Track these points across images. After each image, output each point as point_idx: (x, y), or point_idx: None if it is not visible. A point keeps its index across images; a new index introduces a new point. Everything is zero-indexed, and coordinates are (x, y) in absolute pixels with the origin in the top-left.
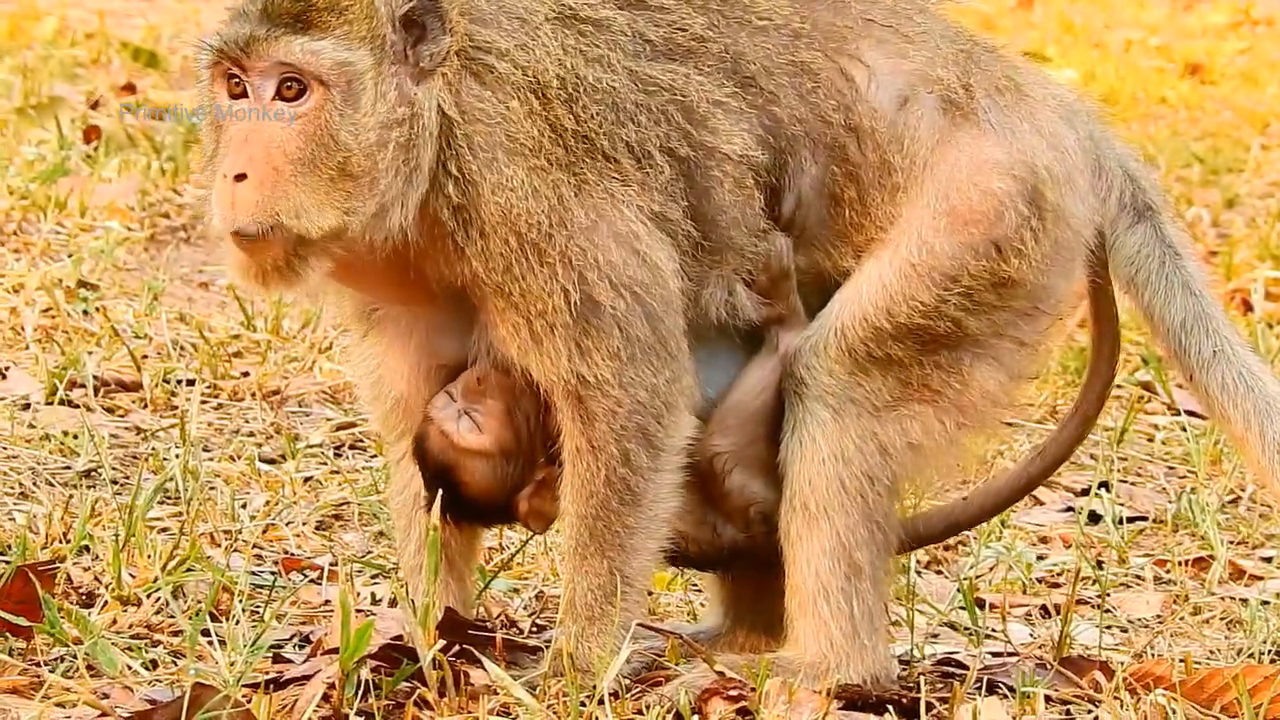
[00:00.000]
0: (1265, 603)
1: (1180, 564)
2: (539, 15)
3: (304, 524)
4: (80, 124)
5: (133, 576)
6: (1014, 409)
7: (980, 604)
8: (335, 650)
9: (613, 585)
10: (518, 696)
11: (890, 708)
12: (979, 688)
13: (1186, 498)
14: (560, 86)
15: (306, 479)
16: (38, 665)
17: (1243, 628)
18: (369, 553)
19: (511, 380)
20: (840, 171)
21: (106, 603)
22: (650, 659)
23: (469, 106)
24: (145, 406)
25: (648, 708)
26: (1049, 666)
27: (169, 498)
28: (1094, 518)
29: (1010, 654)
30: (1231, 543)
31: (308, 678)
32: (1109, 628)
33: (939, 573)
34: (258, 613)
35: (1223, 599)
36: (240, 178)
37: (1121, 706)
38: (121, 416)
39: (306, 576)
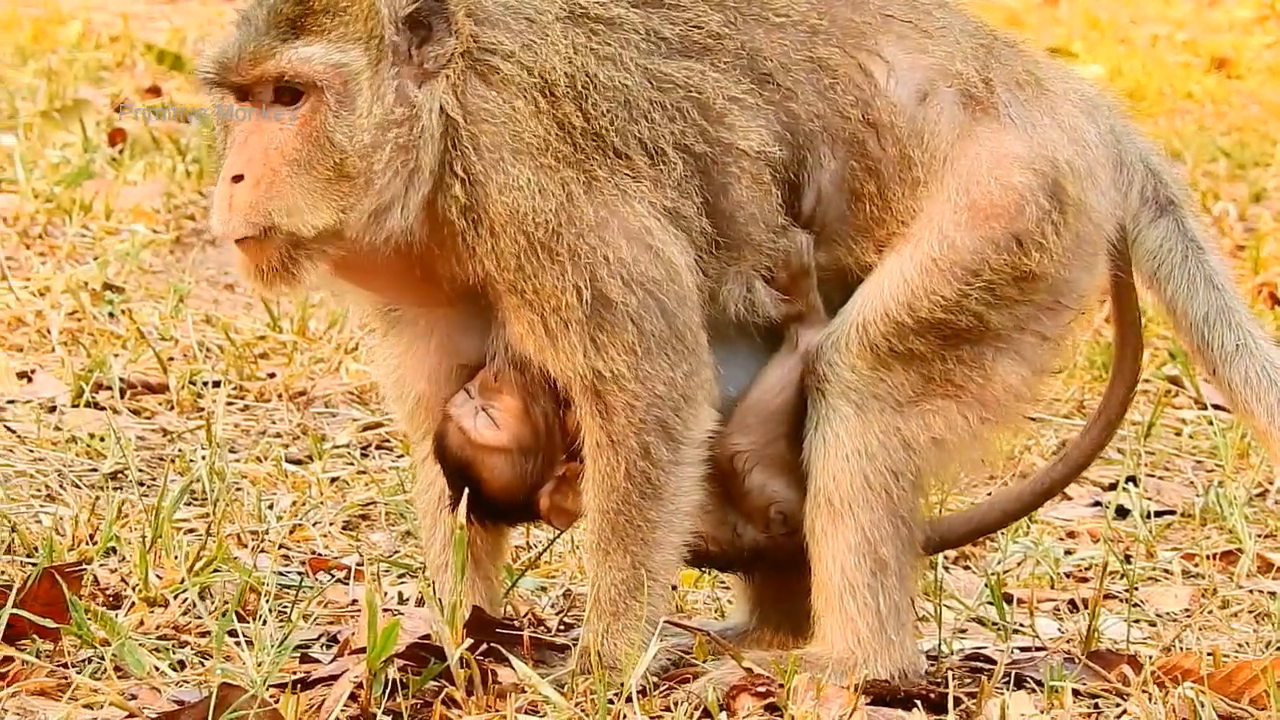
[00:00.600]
0: None
1: (1208, 558)
2: (549, 14)
3: (331, 524)
4: (105, 127)
5: (159, 578)
6: (1037, 403)
7: (1008, 599)
8: (362, 650)
9: (637, 580)
10: (545, 694)
11: (918, 703)
12: (1007, 682)
13: (1214, 491)
14: (569, 84)
15: (333, 479)
16: (65, 667)
17: (1271, 620)
18: (396, 552)
19: (528, 376)
20: (860, 167)
21: (133, 604)
22: (678, 656)
23: (474, 107)
24: (171, 408)
25: (676, 704)
26: (1077, 661)
27: (195, 499)
28: (1121, 512)
29: (1038, 649)
30: (1259, 536)
31: (335, 678)
32: (1137, 622)
33: (966, 568)
34: (285, 613)
35: (1251, 592)
36: (238, 179)
37: (1150, 700)
38: (148, 418)
39: (333, 576)
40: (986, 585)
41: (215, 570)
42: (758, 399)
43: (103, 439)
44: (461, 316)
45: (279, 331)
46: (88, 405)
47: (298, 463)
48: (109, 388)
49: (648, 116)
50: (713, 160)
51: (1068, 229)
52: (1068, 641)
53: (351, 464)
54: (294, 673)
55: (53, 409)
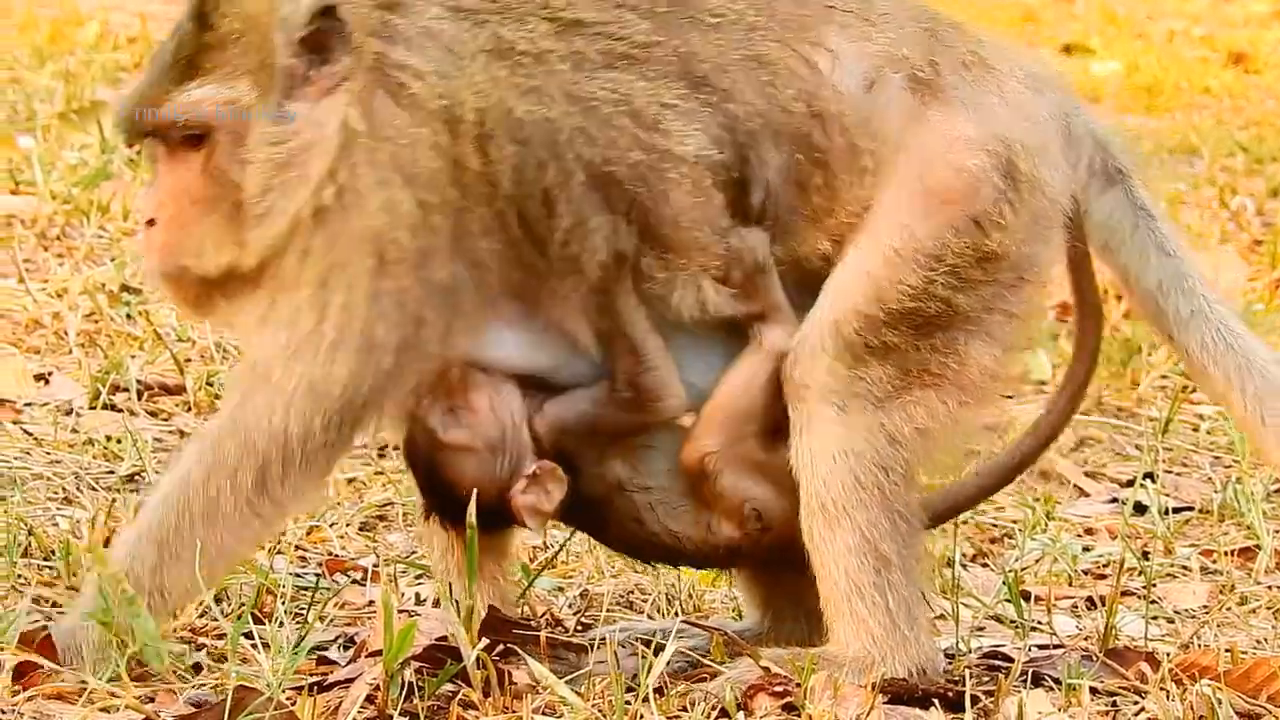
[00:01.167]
0: None
1: (1226, 554)
2: (469, 47)
3: (347, 525)
4: None
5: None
6: (1011, 382)
7: (1026, 596)
8: (379, 652)
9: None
10: (562, 695)
11: (935, 701)
12: (1025, 680)
13: (1232, 487)
14: (477, 122)
15: (350, 480)
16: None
17: None
18: (413, 553)
19: (493, 374)
20: (806, 159)
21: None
22: (694, 657)
23: (380, 122)
24: (189, 410)
25: (693, 704)
26: (1095, 658)
27: None
28: (1139, 508)
29: (1056, 646)
30: (1278, 532)
31: (351, 680)
32: (1155, 619)
33: (984, 565)
34: (301, 615)
35: (1269, 588)
36: (151, 223)
37: (1168, 697)
38: (165, 420)
39: (350, 578)
40: (1004, 583)
41: (231, 572)
42: (724, 400)
43: (120, 441)
44: None
45: None
46: (105, 407)
47: None
48: (126, 389)
49: (565, 154)
50: (649, 168)
51: (1024, 206)
52: (1085, 639)
53: (369, 464)
54: (310, 675)
55: (70, 411)
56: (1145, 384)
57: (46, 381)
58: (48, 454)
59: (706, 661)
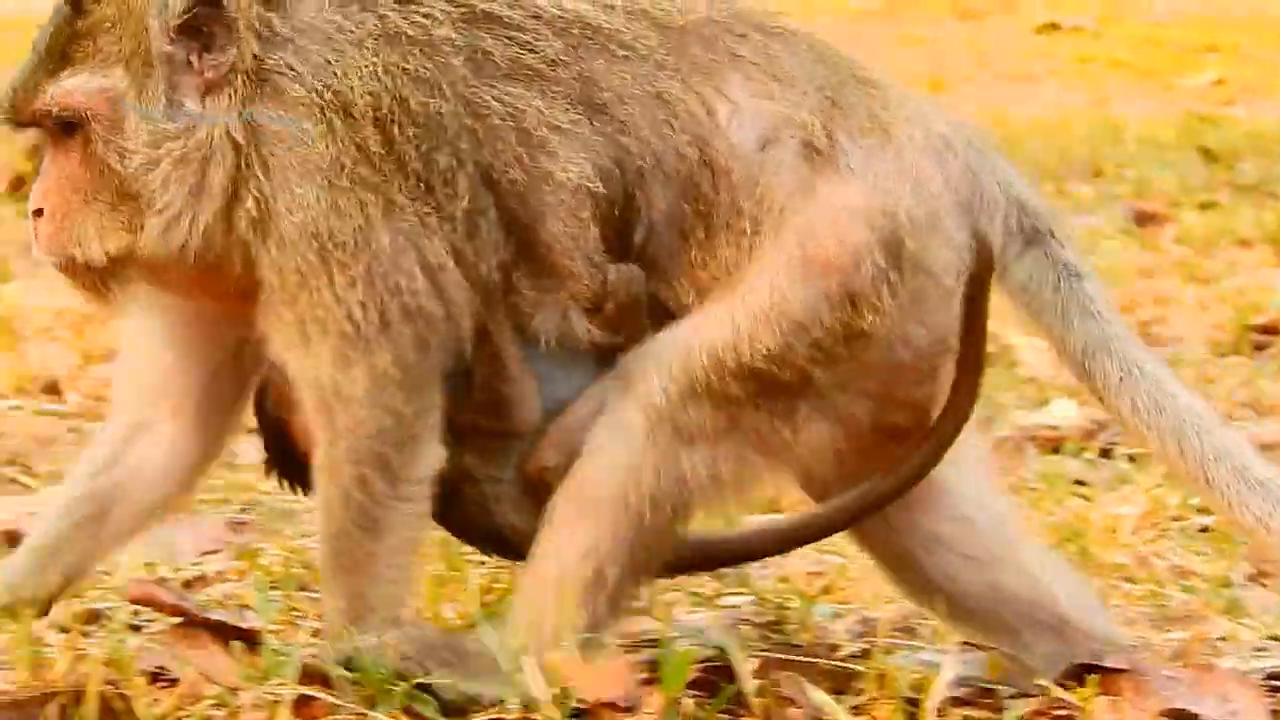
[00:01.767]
0: None
1: None
2: (353, 34)
3: None
4: None
5: (454, 612)
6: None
7: None
8: (653, 680)
9: (355, 613)
10: None
11: None
12: None
13: None
14: (371, 106)
15: None
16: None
17: None
18: (687, 580)
19: None
20: (691, 210)
21: None
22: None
23: (260, 127)
24: None
25: None
26: None
27: None
28: None
29: None
30: None
31: (630, 708)
32: None
33: (1263, 585)
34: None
35: None
36: (38, 213)
37: None
38: None
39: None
40: None
41: (505, 601)
42: (576, 421)
43: None
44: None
45: None
46: None
47: None
48: None
49: (455, 144)
50: (529, 189)
51: (904, 286)
52: None
53: None
54: (583, 703)
55: None
56: None
57: None
58: None
59: (984, 685)
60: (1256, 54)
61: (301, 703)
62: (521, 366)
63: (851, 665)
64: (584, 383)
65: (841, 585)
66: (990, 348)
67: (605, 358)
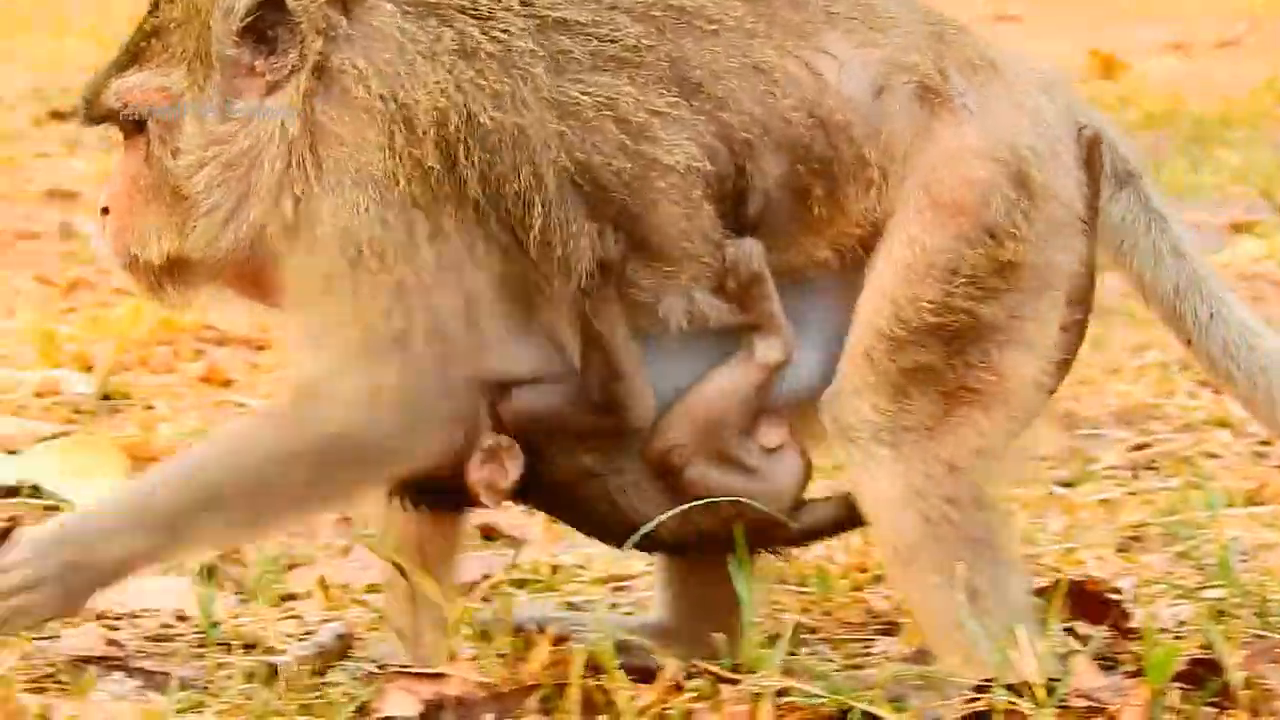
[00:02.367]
0: None
1: None
2: (425, 46)
3: (1103, 546)
4: None
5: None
6: (1056, 390)
7: None
8: (1137, 673)
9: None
10: None
11: None
12: None
13: None
14: (437, 123)
15: (1102, 501)
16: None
17: None
18: (1169, 574)
19: None
20: (806, 169)
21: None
22: None
23: (320, 126)
24: None
25: None
26: None
27: None
28: None
29: None
30: None
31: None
32: None
33: None
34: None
35: None
36: (105, 211)
37: None
38: None
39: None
40: None
41: None
42: (701, 401)
43: None
44: None
45: None
46: None
47: (1068, 485)
48: None
49: (537, 158)
50: (636, 177)
51: (1039, 213)
52: None
53: (1121, 485)
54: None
55: None
56: None
57: None
58: None
59: None
60: None
61: (781, 695)
62: (637, 363)
63: None
64: (697, 363)
65: None
66: None
67: (716, 345)
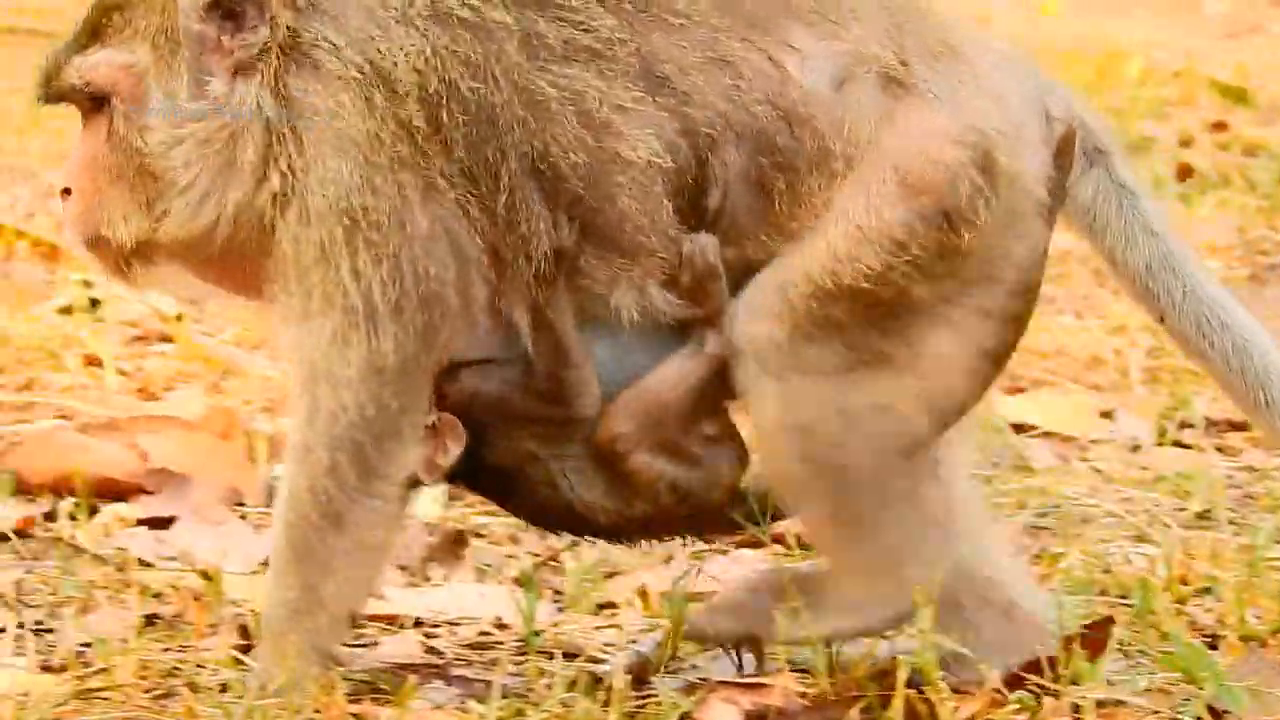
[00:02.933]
0: None
1: None
2: (398, 11)
3: None
4: (1172, 162)
5: (1257, 618)
6: (988, 383)
7: None
8: None
9: (306, 605)
10: None
11: None
12: None
13: None
14: (417, 86)
15: None
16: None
17: None
18: None
19: None
20: (769, 163)
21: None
22: None
23: (293, 100)
24: (1257, 446)
25: None
26: None
27: None
28: None
29: None
30: None
31: None
32: None
33: None
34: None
35: None
36: (66, 192)
37: None
38: (1234, 456)
39: None
40: None
41: None
42: (650, 388)
43: (1190, 478)
44: None
45: None
46: (1173, 444)
47: None
48: (1193, 425)
49: (503, 136)
50: (595, 171)
51: (1000, 201)
52: None
53: None
54: None
55: (1136, 448)
56: None
57: (1111, 418)
58: (1117, 491)
59: None
60: None
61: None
62: (583, 352)
63: None
64: (645, 355)
65: None
66: None
67: (667, 337)
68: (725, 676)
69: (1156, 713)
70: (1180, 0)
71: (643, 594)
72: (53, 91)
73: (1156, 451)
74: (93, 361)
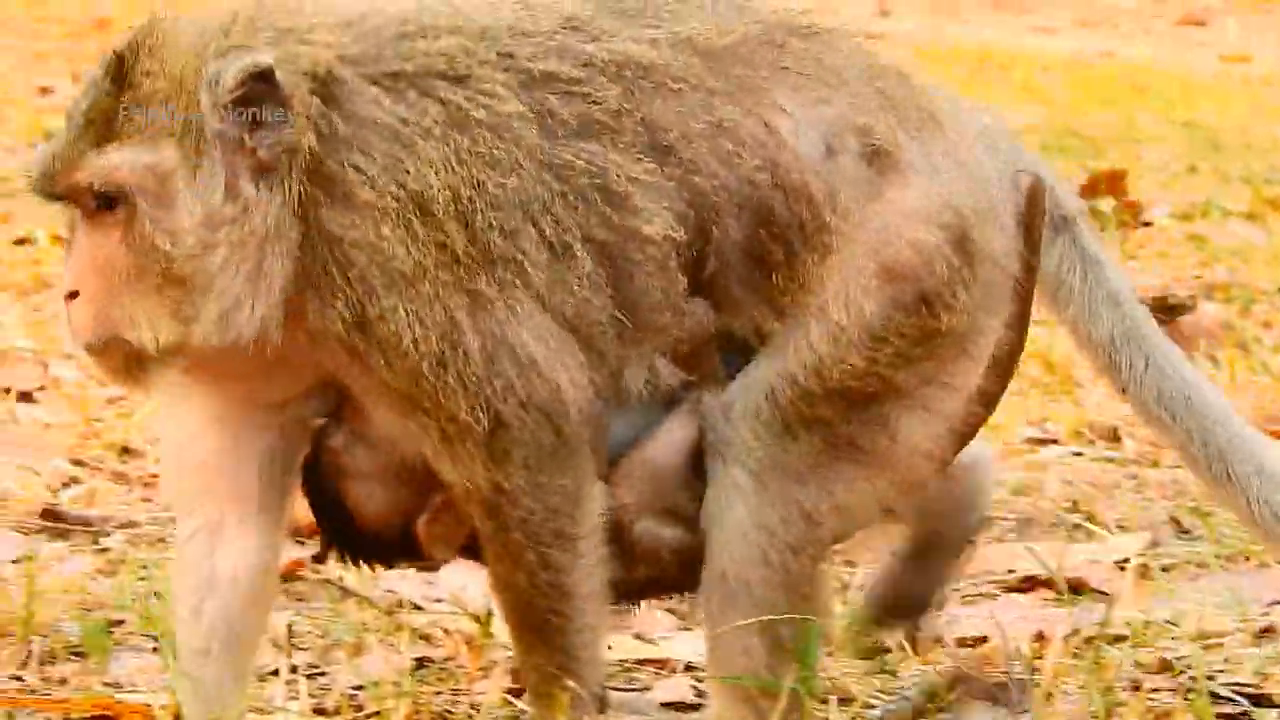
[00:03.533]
0: None
1: None
2: (419, 125)
3: None
4: None
5: None
6: (947, 463)
7: None
8: None
9: (563, 665)
10: None
11: None
12: None
13: None
14: (450, 200)
15: None
16: None
17: None
18: None
19: None
20: (766, 234)
21: None
22: None
23: (331, 232)
24: None
25: None
26: None
27: None
28: None
29: None
30: None
31: None
32: None
33: None
34: None
35: None
36: (73, 295)
37: None
38: None
39: None
40: None
41: None
42: (651, 457)
43: None
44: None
45: None
46: None
47: None
48: None
49: (550, 212)
50: (618, 248)
51: (976, 281)
52: None
53: None
54: None
55: None
56: None
57: None
58: None
59: None
60: None
61: None
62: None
63: None
64: (639, 419)
65: None
66: None
67: (668, 396)
68: None
69: None
70: None
71: (912, 639)
72: (59, 189)
73: None
74: None
